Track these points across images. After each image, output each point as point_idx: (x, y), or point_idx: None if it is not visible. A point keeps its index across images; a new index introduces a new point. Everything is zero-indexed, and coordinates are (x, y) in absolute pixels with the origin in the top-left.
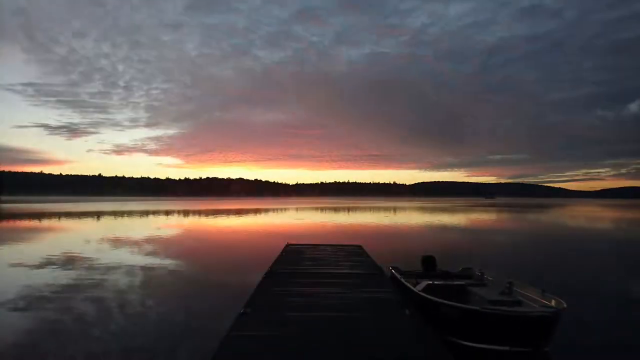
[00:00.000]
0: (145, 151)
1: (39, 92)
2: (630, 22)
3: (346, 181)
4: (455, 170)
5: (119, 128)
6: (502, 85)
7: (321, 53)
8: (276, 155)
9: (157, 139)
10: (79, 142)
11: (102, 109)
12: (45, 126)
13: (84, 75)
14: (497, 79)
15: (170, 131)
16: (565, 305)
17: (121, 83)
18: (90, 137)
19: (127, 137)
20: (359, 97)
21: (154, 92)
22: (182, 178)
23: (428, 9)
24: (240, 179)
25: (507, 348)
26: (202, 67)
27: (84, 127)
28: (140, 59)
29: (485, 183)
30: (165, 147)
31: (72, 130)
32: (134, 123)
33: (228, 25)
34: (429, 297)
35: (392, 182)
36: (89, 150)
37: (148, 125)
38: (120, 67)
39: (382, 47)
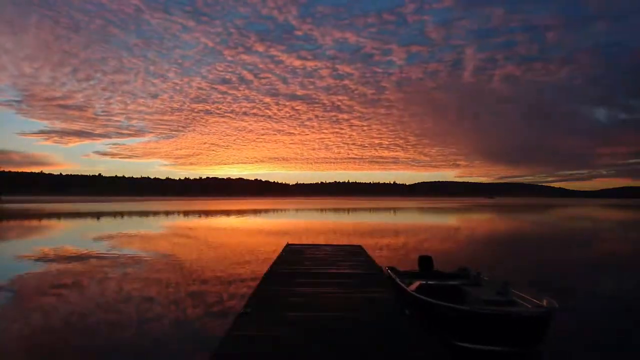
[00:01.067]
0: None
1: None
2: None
3: (346, 181)
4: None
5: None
6: None
7: None
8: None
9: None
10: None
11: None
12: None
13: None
14: None
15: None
16: (557, 305)
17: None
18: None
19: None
20: None
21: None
22: (182, 178)
23: None
24: (240, 179)
25: (498, 348)
26: None
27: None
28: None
29: (486, 183)
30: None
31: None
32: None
33: None
34: (421, 297)
35: (392, 182)
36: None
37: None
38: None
39: None
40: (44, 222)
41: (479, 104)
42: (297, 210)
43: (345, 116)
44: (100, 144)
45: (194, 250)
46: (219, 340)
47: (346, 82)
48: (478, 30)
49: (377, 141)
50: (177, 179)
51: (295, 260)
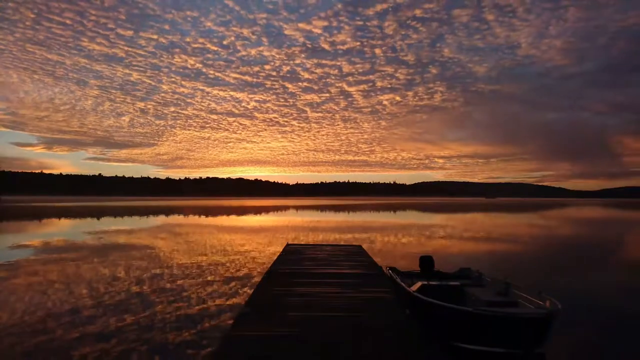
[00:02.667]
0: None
1: None
2: None
3: (347, 181)
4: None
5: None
6: None
7: None
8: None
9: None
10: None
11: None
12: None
13: None
14: None
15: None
16: (560, 307)
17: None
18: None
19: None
20: None
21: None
22: (182, 178)
23: None
24: (240, 179)
25: (500, 350)
26: None
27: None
28: None
29: (486, 183)
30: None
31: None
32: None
33: None
34: (422, 297)
35: (392, 182)
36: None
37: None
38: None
39: None
40: (57, 227)
41: None
42: (297, 210)
43: None
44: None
45: (193, 249)
46: (219, 340)
47: None
48: None
49: None
50: (177, 178)
51: (295, 260)
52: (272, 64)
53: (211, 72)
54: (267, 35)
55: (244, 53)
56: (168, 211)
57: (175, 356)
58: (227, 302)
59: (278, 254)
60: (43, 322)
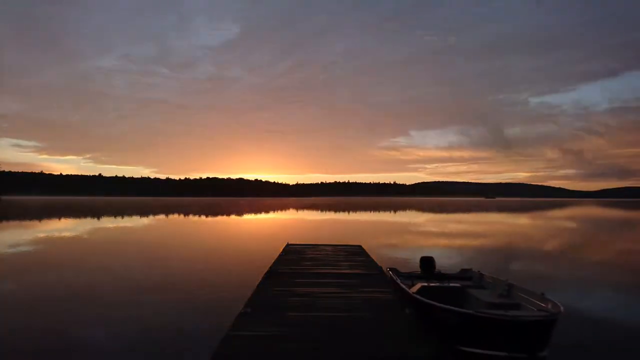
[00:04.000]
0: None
1: None
2: None
3: (347, 181)
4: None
5: None
6: None
7: None
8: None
9: None
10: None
11: None
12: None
13: None
14: None
15: None
16: (562, 309)
17: None
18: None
19: None
20: None
21: None
22: (182, 178)
23: None
24: (240, 179)
25: (502, 353)
26: None
27: None
28: None
29: (488, 183)
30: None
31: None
32: None
33: None
34: (423, 299)
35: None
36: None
37: None
38: None
39: None
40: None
41: None
42: (297, 210)
43: None
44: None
45: (193, 249)
46: (219, 340)
47: None
48: None
49: None
50: (177, 179)
51: (295, 260)
52: None
53: None
54: None
55: None
56: (167, 211)
57: (174, 356)
58: (227, 302)
59: (278, 253)
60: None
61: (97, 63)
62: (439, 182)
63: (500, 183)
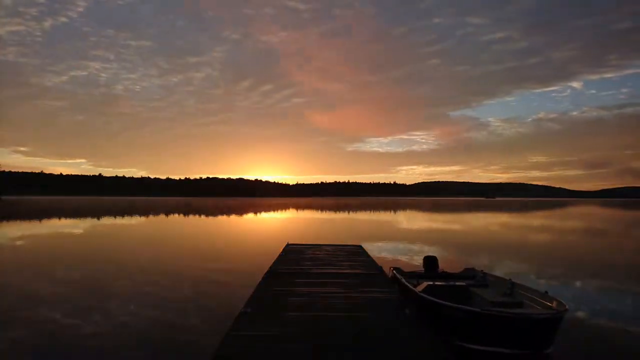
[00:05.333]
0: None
1: None
2: None
3: (347, 181)
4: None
5: None
6: None
7: None
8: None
9: None
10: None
11: None
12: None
13: None
14: None
15: None
16: (567, 307)
17: None
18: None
19: None
20: None
21: None
22: (183, 178)
23: None
24: (241, 179)
25: (507, 350)
26: None
27: None
28: None
29: (487, 183)
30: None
31: None
32: None
33: None
34: (429, 298)
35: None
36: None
37: None
38: None
39: None
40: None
41: None
42: (297, 210)
43: None
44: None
45: (193, 249)
46: (219, 340)
47: None
48: None
49: None
50: (177, 179)
51: (295, 260)
52: None
53: None
54: None
55: None
56: (167, 211)
57: (174, 356)
58: (227, 302)
59: (278, 253)
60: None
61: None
62: (439, 182)
63: (501, 182)
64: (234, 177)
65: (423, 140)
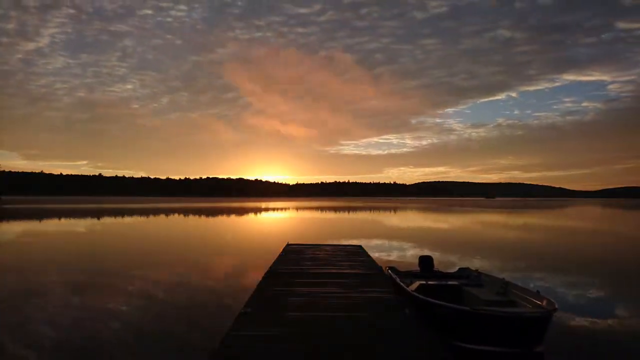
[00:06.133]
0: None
1: None
2: None
3: (346, 181)
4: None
5: None
6: None
7: None
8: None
9: None
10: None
11: None
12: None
13: None
14: None
15: None
16: (557, 306)
17: None
18: None
19: None
20: None
21: None
22: (182, 178)
23: None
24: (241, 179)
25: (498, 349)
26: None
27: None
28: None
29: (486, 183)
30: None
31: None
32: None
33: None
34: (421, 297)
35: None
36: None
37: None
38: None
39: None
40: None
41: None
42: (297, 210)
43: None
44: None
45: (193, 249)
46: (219, 340)
47: None
48: None
49: None
50: (178, 179)
51: (295, 260)
52: None
53: None
54: None
55: None
56: (167, 211)
57: (175, 356)
58: (227, 302)
59: (278, 253)
60: None
61: None
62: (439, 182)
63: (500, 183)
64: (233, 176)
65: (401, 143)
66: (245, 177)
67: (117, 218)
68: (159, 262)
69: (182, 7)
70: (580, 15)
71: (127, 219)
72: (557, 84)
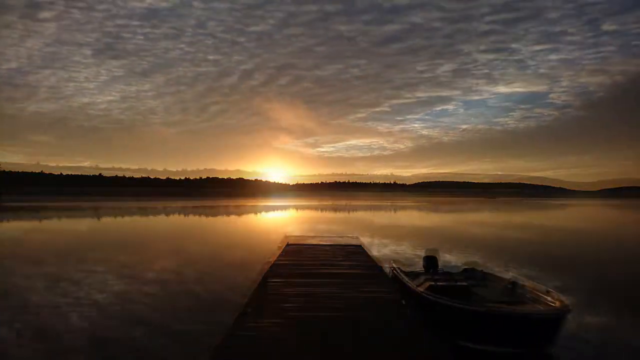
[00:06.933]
0: None
1: None
2: None
3: (346, 181)
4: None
5: None
6: None
7: None
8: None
9: None
10: None
11: None
12: None
13: None
14: None
15: None
16: (569, 305)
17: None
18: None
19: None
20: None
21: None
22: (183, 178)
23: None
24: (240, 178)
25: (510, 349)
26: None
27: None
28: None
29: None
30: None
31: None
32: None
33: None
34: (431, 297)
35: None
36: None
37: None
38: None
39: None
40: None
41: None
42: (297, 208)
43: None
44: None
45: (193, 248)
46: (219, 340)
47: None
48: None
49: None
50: (178, 179)
51: (295, 259)
52: None
53: None
54: None
55: None
56: (166, 209)
57: (174, 355)
58: (227, 301)
59: (278, 252)
60: None
61: None
62: (438, 181)
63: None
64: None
65: (378, 145)
66: (245, 177)
67: (117, 218)
68: (155, 261)
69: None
70: None
71: (124, 217)
72: None
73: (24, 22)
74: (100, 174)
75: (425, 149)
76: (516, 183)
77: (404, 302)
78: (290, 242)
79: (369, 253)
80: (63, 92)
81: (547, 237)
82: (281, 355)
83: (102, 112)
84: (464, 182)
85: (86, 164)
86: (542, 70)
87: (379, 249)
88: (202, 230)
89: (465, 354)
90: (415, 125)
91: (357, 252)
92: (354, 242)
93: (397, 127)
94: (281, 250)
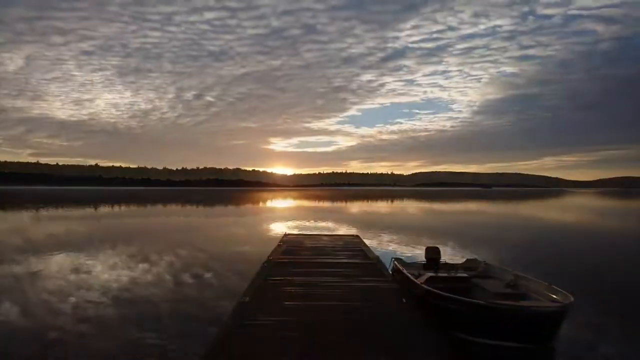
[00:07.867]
0: None
1: None
2: None
3: (344, 171)
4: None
5: None
6: None
7: None
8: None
9: None
10: None
11: None
12: None
13: None
14: None
15: None
16: (573, 300)
17: None
18: None
19: None
20: None
21: None
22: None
23: None
24: (238, 169)
25: (511, 344)
26: None
27: None
28: None
29: (483, 173)
30: None
31: None
32: None
33: None
34: (432, 289)
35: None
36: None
37: None
38: None
39: None
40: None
41: None
42: (295, 200)
43: None
44: None
45: (192, 240)
46: (217, 329)
47: None
48: None
49: None
50: (175, 169)
51: (293, 250)
52: None
53: None
54: None
55: None
56: (164, 202)
57: (174, 345)
58: (225, 291)
59: (276, 243)
60: None
61: None
62: (436, 172)
63: (497, 173)
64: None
65: (377, 142)
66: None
67: (116, 212)
68: (154, 252)
69: None
70: None
71: (123, 212)
72: None
73: None
74: (100, 175)
75: (423, 145)
76: (515, 174)
77: (404, 296)
78: (290, 237)
79: (368, 247)
80: (63, 92)
81: (548, 234)
82: (278, 344)
83: (102, 112)
84: (463, 175)
85: (86, 163)
86: None
87: (379, 243)
88: (201, 228)
89: (466, 348)
90: (414, 121)
91: (356, 246)
92: (353, 237)
93: (393, 125)
94: (280, 245)
